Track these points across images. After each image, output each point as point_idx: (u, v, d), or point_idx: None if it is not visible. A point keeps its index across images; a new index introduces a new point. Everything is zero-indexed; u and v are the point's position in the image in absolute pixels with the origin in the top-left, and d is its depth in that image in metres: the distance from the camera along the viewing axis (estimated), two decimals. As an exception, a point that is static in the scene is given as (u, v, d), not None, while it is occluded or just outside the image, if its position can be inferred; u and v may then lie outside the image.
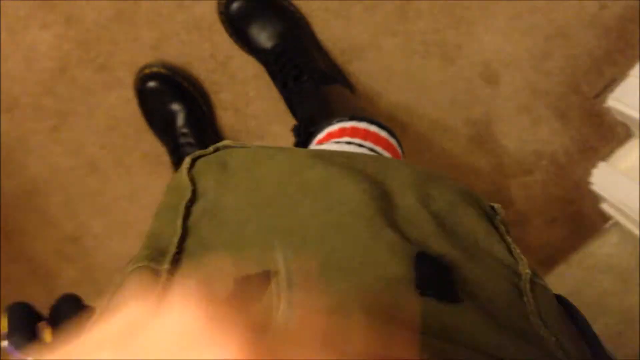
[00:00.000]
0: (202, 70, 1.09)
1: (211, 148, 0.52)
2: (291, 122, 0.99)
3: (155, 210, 0.48)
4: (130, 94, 1.09)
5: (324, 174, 0.47)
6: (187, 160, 0.50)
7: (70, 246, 1.20)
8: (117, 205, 1.17)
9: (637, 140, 1.08)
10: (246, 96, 1.11)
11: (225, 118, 1.12)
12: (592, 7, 1.07)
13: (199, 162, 0.51)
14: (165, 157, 1.12)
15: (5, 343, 0.43)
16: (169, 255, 0.42)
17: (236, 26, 1.03)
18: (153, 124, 1.07)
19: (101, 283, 1.20)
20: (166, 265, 0.41)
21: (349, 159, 0.51)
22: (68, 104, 1.11)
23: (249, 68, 1.09)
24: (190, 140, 1.02)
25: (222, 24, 1.05)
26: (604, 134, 1.12)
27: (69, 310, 0.47)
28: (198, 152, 0.52)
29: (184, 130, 1.03)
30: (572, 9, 1.08)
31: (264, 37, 1.02)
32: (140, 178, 1.15)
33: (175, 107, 1.03)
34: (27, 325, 0.43)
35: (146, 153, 1.13)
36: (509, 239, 0.46)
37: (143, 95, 1.05)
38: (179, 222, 0.44)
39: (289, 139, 0.94)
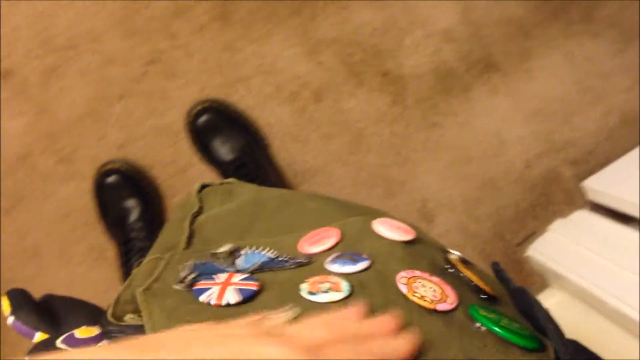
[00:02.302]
0: (162, 174, 1.15)
1: (218, 181, 0.58)
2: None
3: (163, 227, 0.52)
4: (87, 187, 1.13)
5: (321, 205, 0.53)
6: (197, 185, 0.55)
7: (-6, 330, 1.17)
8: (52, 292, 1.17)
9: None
10: (200, 203, 1.17)
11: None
12: (520, 165, 1.21)
13: (207, 189, 0.56)
14: (109, 252, 1.15)
15: (11, 319, 0.44)
16: (179, 249, 0.46)
17: (201, 137, 1.11)
18: (106, 217, 1.10)
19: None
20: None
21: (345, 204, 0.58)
22: (25, 189, 1.13)
23: (206, 177, 1.16)
24: (143, 235, 1.06)
25: (187, 133, 1.13)
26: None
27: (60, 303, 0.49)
28: (206, 182, 0.57)
29: (138, 224, 1.07)
30: (503, 164, 1.21)
31: (225, 150, 1.10)
32: (80, 269, 1.16)
33: (131, 203, 1.08)
34: (30, 303, 0.45)
35: (92, 246, 1.15)
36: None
37: (101, 189, 1.09)
38: (186, 224, 0.49)
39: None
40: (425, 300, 0.41)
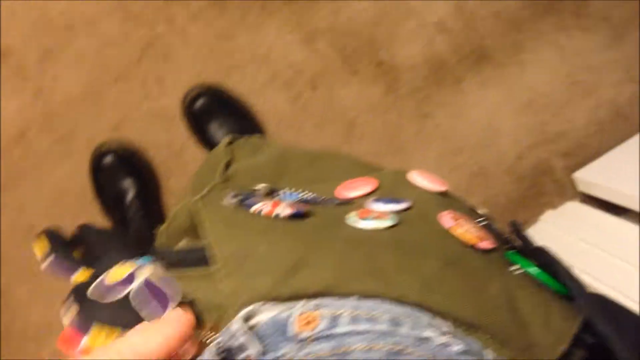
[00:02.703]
0: (158, 156, 1.16)
1: (246, 137, 0.59)
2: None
3: (192, 177, 0.53)
4: (82, 168, 1.14)
5: (349, 161, 0.54)
6: (227, 139, 0.56)
7: (-13, 310, 1.18)
8: (42, 273, 1.17)
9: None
10: (193, 187, 1.18)
11: (172, 202, 1.17)
12: (511, 156, 1.23)
13: (236, 142, 0.57)
14: (104, 233, 1.15)
15: (52, 257, 0.43)
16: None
17: (197, 121, 1.13)
18: (102, 197, 1.12)
19: (12, 349, 1.17)
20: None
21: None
22: (21, 168, 1.15)
23: (201, 160, 1.17)
24: (139, 214, 1.07)
25: (184, 117, 1.14)
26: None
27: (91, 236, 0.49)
28: (235, 136, 0.58)
29: (134, 204, 1.08)
30: (495, 155, 1.23)
31: (221, 134, 1.11)
32: (75, 249, 1.17)
33: (127, 183, 1.09)
34: (66, 244, 0.45)
35: (86, 226, 1.16)
36: None
37: (97, 169, 1.10)
38: (220, 170, 0.50)
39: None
40: (470, 235, 0.41)
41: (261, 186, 0.47)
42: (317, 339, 0.32)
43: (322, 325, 0.33)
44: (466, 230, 0.41)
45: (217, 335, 0.35)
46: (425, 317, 0.35)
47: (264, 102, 1.18)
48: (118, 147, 1.12)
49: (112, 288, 0.41)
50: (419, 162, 1.21)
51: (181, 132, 1.16)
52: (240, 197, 0.44)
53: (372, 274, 0.36)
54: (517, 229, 0.49)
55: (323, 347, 0.32)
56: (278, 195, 0.47)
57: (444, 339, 0.33)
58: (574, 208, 1.23)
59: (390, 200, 0.44)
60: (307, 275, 0.36)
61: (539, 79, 1.23)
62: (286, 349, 0.32)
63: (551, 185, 1.24)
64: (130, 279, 0.42)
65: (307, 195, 0.46)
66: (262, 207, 0.42)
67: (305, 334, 0.33)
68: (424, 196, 0.46)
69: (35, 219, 1.16)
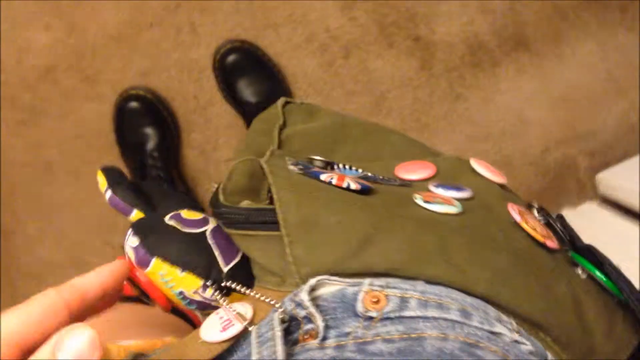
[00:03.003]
0: (182, 107, 1.15)
1: (299, 100, 0.58)
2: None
3: (245, 137, 0.51)
4: (106, 110, 1.13)
5: (402, 139, 0.53)
6: (281, 100, 0.55)
7: (-4, 241, 1.18)
8: (58, 212, 1.17)
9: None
10: (215, 142, 1.17)
11: (191, 156, 1.16)
12: (537, 148, 1.21)
13: (289, 106, 0.55)
14: (121, 178, 1.15)
15: (109, 193, 0.43)
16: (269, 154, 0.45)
17: (226, 76, 1.11)
18: (123, 142, 1.11)
19: (17, 286, 1.17)
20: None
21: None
22: (44, 104, 1.14)
23: (226, 117, 1.16)
24: (159, 164, 1.06)
25: (214, 71, 1.13)
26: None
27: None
28: (288, 99, 0.56)
29: (154, 154, 1.07)
30: (521, 145, 1.21)
31: (249, 92, 1.10)
32: (89, 190, 1.16)
33: (149, 131, 1.08)
34: (126, 180, 0.45)
35: (104, 169, 1.16)
36: None
37: (121, 113, 1.09)
38: (275, 133, 0.48)
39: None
40: (537, 232, 0.39)
41: (317, 158, 0.45)
42: (384, 319, 0.31)
43: (390, 306, 0.32)
44: (533, 227, 0.39)
45: (278, 301, 0.34)
46: (492, 311, 0.34)
47: (296, 65, 1.16)
48: (145, 94, 1.10)
49: (189, 221, 0.41)
50: (443, 143, 1.20)
51: (209, 87, 1.15)
52: (300, 166, 0.43)
53: (442, 259, 0.35)
54: (565, 225, 0.46)
55: (393, 329, 0.31)
56: (335, 169, 0.45)
57: (514, 336, 0.32)
58: (591, 209, 1.22)
59: (451, 187, 0.42)
60: (377, 252, 0.35)
61: (576, 73, 1.21)
62: (353, 327, 0.31)
63: (573, 183, 1.23)
64: (205, 220, 0.41)
65: (367, 172, 0.45)
66: (331, 177, 0.40)
67: (372, 312, 0.32)
68: (485, 186, 0.44)
69: (53, 156, 1.15)
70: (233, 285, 0.38)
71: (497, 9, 1.17)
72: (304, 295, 0.33)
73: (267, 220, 0.37)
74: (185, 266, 0.38)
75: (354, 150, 0.49)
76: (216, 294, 0.38)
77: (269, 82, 1.11)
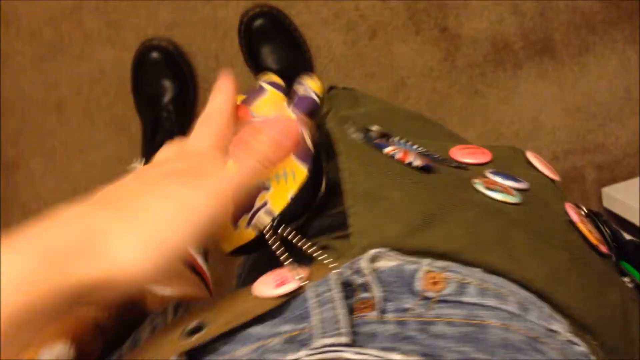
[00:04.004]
0: (202, 65, 1.14)
1: (341, 85, 0.57)
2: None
3: None
4: (126, 57, 1.12)
5: (449, 130, 0.53)
6: (325, 86, 0.54)
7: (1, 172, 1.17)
8: (65, 152, 1.17)
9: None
10: (231, 104, 1.17)
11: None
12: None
13: (333, 91, 0.54)
14: (132, 128, 1.14)
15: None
16: None
17: (251, 40, 1.10)
18: (139, 92, 1.10)
19: (15, 223, 1.16)
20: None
21: None
22: (65, 42, 1.13)
23: (245, 81, 1.15)
24: (173, 118, 1.06)
25: (239, 33, 1.12)
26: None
27: None
28: (332, 85, 0.56)
29: (169, 107, 1.06)
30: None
31: (272, 59, 1.09)
32: (100, 134, 1.16)
33: (167, 84, 1.07)
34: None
35: (116, 115, 1.15)
36: None
37: (142, 62, 1.09)
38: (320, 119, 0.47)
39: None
40: (592, 235, 0.38)
41: (375, 127, 0.44)
42: (441, 301, 0.31)
43: (449, 289, 0.32)
44: (589, 229, 0.39)
45: (336, 263, 0.34)
46: (546, 308, 0.33)
47: (320, 39, 1.16)
48: (167, 46, 1.10)
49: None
50: (456, 138, 1.20)
51: (232, 48, 1.14)
52: (362, 135, 0.42)
53: (503, 249, 0.35)
54: (611, 228, 0.45)
55: (454, 313, 0.30)
56: (392, 141, 0.44)
57: (568, 336, 0.32)
58: (593, 221, 1.23)
59: (509, 176, 0.41)
60: (438, 234, 0.35)
61: (595, 86, 1.21)
62: (411, 304, 0.31)
63: (578, 193, 1.24)
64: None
65: (423, 149, 0.44)
66: (395, 151, 0.40)
67: (429, 293, 0.32)
68: (540, 180, 0.43)
69: (67, 97, 1.15)
70: (294, 239, 0.38)
71: (528, 12, 1.17)
72: (363, 263, 0.32)
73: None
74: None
75: (407, 130, 0.48)
76: (286, 234, 0.37)
77: (292, 51, 1.11)
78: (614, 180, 1.22)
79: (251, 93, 0.45)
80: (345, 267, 0.33)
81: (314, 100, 0.43)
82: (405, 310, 0.31)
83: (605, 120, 1.22)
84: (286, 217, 0.38)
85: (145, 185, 0.33)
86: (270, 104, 0.44)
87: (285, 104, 0.44)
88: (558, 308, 0.34)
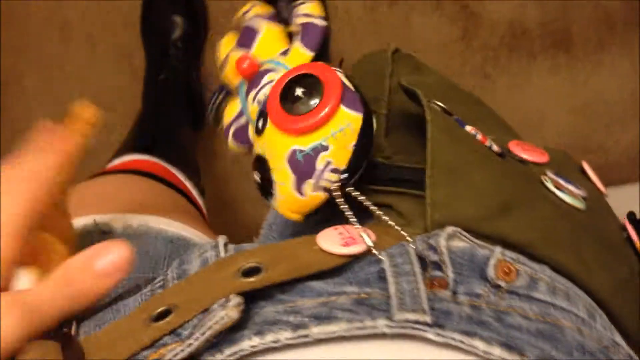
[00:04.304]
0: (216, 7, 1.11)
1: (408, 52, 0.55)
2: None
3: (352, 71, 0.49)
4: (138, -12, 1.09)
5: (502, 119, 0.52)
6: (392, 46, 0.52)
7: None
8: (61, 75, 1.13)
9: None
10: (239, 51, 1.14)
11: (212, 59, 1.13)
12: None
13: (397, 54, 0.52)
14: (136, 60, 1.11)
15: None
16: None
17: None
18: (149, 23, 1.07)
19: (3, 139, 1.13)
20: (384, 111, 0.42)
21: None
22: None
23: (257, 29, 1.13)
24: (180, 56, 1.03)
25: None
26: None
27: None
28: (399, 48, 0.54)
29: (178, 44, 1.03)
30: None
31: (287, 11, 1.07)
32: (102, 64, 1.12)
33: (179, 19, 1.04)
34: None
35: (120, 45, 1.12)
36: None
37: (155, -4, 1.06)
38: (387, 79, 0.46)
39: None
40: None
41: (439, 104, 0.42)
42: (512, 293, 0.30)
43: (520, 281, 0.31)
44: None
45: (411, 235, 0.33)
46: (605, 319, 0.32)
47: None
48: (182, -20, 1.06)
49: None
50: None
51: (248, -7, 1.11)
52: (440, 109, 0.40)
53: (573, 250, 0.34)
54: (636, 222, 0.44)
55: (527, 307, 0.30)
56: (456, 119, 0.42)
57: (630, 351, 0.31)
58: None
59: (569, 181, 0.39)
60: (513, 223, 0.33)
61: (606, 85, 1.21)
62: (482, 290, 0.30)
63: (572, 191, 1.24)
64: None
65: (478, 135, 0.42)
66: (476, 131, 0.38)
67: (501, 282, 0.30)
68: (594, 192, 0.42)
69: (72, 16, 1.11)
70: (357, 197, 0.35)
71: (551, 0, 1.16)
72: (441, 241, 0.31)
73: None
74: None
75: (467, 113, 0.46)
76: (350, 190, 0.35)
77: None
78: (609, 183, 1.22)
79: (240, 39, 0.41)
80: (420, 241, 0.32)
81: (322, 26, 0.40)
82: (478, 295, 0.30)
83: (610, 122, 1.22)
84: (351, 168, 0.35)
85: None
86: (272, 41, 0.41)
87: (286, 37, 0.41)
88: (615, 322, 0.33)
